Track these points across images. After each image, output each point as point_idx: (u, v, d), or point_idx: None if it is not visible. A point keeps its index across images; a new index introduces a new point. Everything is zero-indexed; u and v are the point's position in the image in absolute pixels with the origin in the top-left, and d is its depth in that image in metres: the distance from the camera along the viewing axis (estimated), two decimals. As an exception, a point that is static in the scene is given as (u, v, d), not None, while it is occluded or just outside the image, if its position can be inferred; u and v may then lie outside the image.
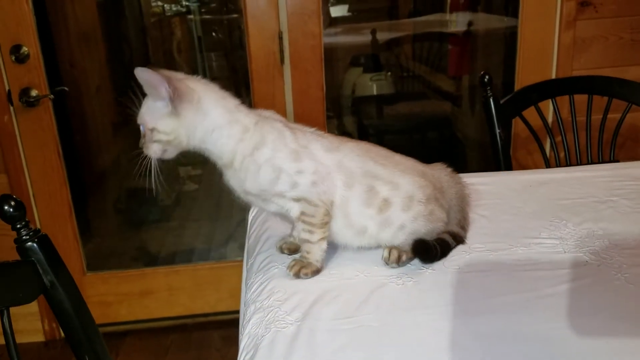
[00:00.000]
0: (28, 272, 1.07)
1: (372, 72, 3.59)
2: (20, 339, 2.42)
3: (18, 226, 1.06)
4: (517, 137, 2.52)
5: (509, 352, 0.90)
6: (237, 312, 1.43)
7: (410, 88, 3.77)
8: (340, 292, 1.07)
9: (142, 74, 1.02)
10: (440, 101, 3.64)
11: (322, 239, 1.13)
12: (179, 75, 1.08)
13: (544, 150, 2.06)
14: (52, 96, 2.29)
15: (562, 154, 2.07)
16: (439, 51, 3.52)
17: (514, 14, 2.48)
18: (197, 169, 3.36)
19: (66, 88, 2.37)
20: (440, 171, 1.25)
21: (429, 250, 1.13)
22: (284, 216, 1.18)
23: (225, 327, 2.57)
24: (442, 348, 0.91)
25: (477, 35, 3.33)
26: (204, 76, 1.13)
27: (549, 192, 1.45)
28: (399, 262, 1.13)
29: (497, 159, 1.97)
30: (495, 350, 0.90)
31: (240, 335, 1.03)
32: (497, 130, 1.94)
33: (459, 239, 1.21)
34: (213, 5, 3.35)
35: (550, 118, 2.26)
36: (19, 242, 1.06)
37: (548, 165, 2.11)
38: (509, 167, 2.00)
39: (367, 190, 1.12)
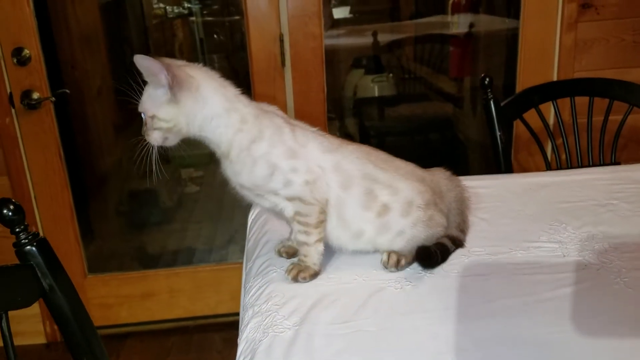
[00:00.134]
0: (27, 276, 1.07)
1: (374, 73, 3.59)
2: (21, 341, 2.46)
3: (17, 230, 1.06)
4: (519, 139, 2.51)
5: (508, 356, 0.90)
6: (238, 314, 1.42)
7: (412, 90, 3.76)
8: (339, 296, 1.07)
9: (142, 61, 1.03)
10: (441, 103, 3.63)
11: (319, 240, 1.13)
12: (178, 63, 1.09)
13: (545, 152, 2.06)
14: (53, 99, 2.30)
15: (563, 156, 2.06)
16: (440, 53, 3.52)
17: (516, 15, 2.48)
18: (198, 171, 3.36)
19: (67, 90, 2.37)
20: (439, 175, 1.25)
21: (431, 256, 1.13)
22: (278, 214, 1.17)
23: (226, 330, 2.57)
24: (440, 352, 0.91)
25: (479, 37, 3.33)
26: None
27: (549, 195, 1.45)
28: (397, 266, 1.13)
29: (498, 161, 1.97)
30: (494, 355, 0.90)
31: (238, 339, 1.03)
32: (498, 133, 1.94)
33: (458, 243, 1.20)
34: (215, 7, 3.35)
35: (551, 120, 2.26)
36: (18, 246, 1.06)
37: (549, 167, 2.10)
38: (509, 170, 1.99)
39: (366, 193, 1.12)
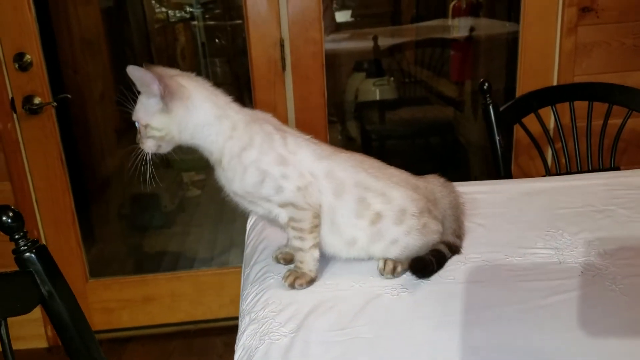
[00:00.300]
0: (26, 283, 1.08)
1: (375, 77, 3.59)
2: (23, 345, 2.47)
3: (16, 237, 1.07)
4: (519, 143, 2.51)
5: (502, 364, 0.90)
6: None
7: (413, 93, 3.77)
8: (335, 303, 1.07)
9: (134, 72, 1.05)
10: (442, 106, 3.64)
11: (314, 246, 1.14)
12: (171, 72, 1.10)
13: (544, 157, 2.06)
14: (54, 103, 2.31)
15: (562, 161, 2.07)
16: (441, 56, 3.52)
17: (516, 19, 2.48)
18: (200, 174, 3.37)
19: (69, 95, 2.38)
20: (433, 182, 1.25)
21: (426, 267, 1.13)
22: (273, 221, 1.18)
23: (227, 333, 2.58)
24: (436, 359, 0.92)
25: (480, 41, 3.33)
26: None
27: (547, 201, 1.45)
28: (394, 272, 1.14)
29: (497, 166, 1.97)
30: (489, 362, 0.91)
31: (235, 346, 1.03)
32: (497, 138, 1.94)
33: (455, 249, 1.21)
34: (217, 11, 3.36)
35: (551, 124, 2.26)
36: (17, 253, 1.07)
37: (549, 172, 2.10)
38: (508, 174, 2.00)
39: (358, 200, 1.13)
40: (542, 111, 2.01)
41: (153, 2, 3.32)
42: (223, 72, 3.47)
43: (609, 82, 2.07)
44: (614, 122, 1.98)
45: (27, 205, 2.40)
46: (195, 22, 3.39)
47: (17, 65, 2.24)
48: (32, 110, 2.29)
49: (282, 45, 2.35)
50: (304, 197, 1.11)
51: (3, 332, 1.06)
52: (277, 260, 1.24)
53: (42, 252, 1.09)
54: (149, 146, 1.10)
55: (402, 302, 1.07)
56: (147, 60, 3.34)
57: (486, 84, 1.94)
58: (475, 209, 1.40)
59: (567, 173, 2.01)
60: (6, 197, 2.35)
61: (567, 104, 2.03)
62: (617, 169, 1.99)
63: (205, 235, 3.11)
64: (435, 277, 1.14)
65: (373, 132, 3.63)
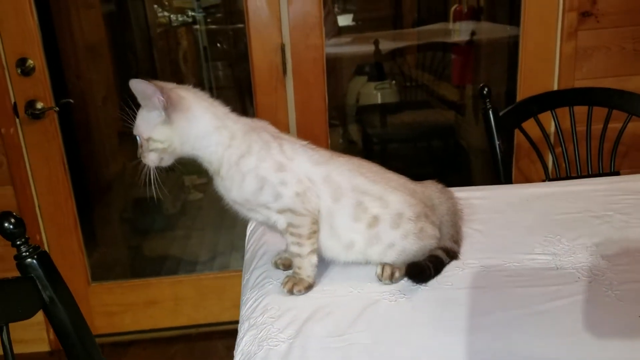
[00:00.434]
0: (28, 288, 1.09)
1: (377, 81, 3.60)
2: (25, 348, 2.48)
3: (18, 243, 1.08)
4: (520, 147, 2.52)
5: (498, 370, 0.91)
6: (240, 323, 1.44)
7: (415, 97, 3.78)
8: (333, 308, 1.08)
9: (137, 85, 1.06)
10: (444, 110, 3.65)
11: (312, 252, 1.15)
12: (169, 85, 1.12)
13: (544, 161, 2.07)
14: (57, 108, 2.32)
15: (563, 165, 2.07)
16: (442, 60, 3.53)
17: (517, 23, 2.49)
18: (202, 178, 3.38)
19: (71, 100, 2.40)
20: (430, 188, 1.26)
21: (422, 272, 1.13)
22: (272, 227, 1.19)
23: (229, 337, 2.57)
24: (431, 366, 0.92)
25: (481, 44, 3.34)
26: (210, 86, 1.16)
27: (545, 206, 1.46)
28: (392, 278, 1.14)
29: (497, 171, 1.98)
30: (484, 369, 0.91)
31: (234, 352, 1.04)
32: (497, 142, 1.95)
33: (453, 255, 1.21)
34: (219, 15, 3.37)
35: (551, 128, 2.27)
36: (19, 259, 1.08)
37: (549, 176, 2.11)
38: (508, 179, 2.00)
39: (356, 204, 1.14)
40: (542, 115, 2.02)
41: (155, 6, 3.34)
42: (225, 76, 3.48)
43: (610, 86, 2.07)
44: (615, 125, 1.98)
45: (30, 210, 2.42)
46: (197, 27, 3.40)
47: (19, 70, 2.26)
48: (35, 115, 2.30)
49: (283, 50, 2.36)
50: (302, 203, 1.12)
51: (5, 337, 1.07)
52: (277, 265, 1.25)
53: (44, 258, 1.10)
54: (151, 159, 1.11)
55: (400, 308, 1.08)
56: (149, 64, 3.37)
57: (486, 89, 1.95)
58: (473, 215, 1.40)
59: (567, 177, 2.02)
60: (9, 201, 2.37)
61: (567, 109, 2.04)
62: (617, 173, 1.99)
63: (207, 238, 3.12)
64: (433, 283, 1.14)
65: (374, 135, 3.64)
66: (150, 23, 3.32)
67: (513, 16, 2.71)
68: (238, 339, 1.07)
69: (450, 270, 1.19)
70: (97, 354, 1.17)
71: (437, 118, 3.65)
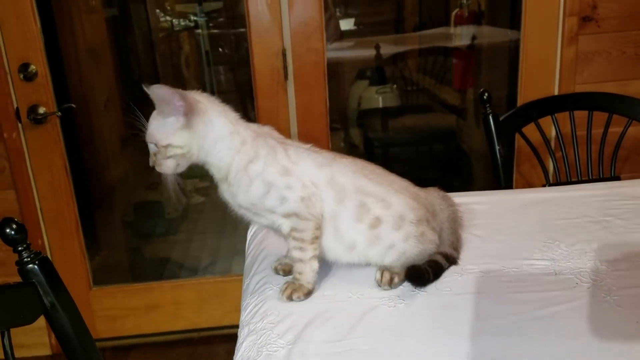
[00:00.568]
0: (29, 294, 1.09)
1: (378, 85, 3.62)
2: (26, 353, 2.48)
3: (19, 249, 1.09)
4: (521, 151, 2.52)
5: (496, 376, 0.91)
6: (241, 327, 1.45)
7: (416, 101, 3.79)
8: (333, 314, 1.09)
9: (158, 91, 1.06)
10: (445, 114, 3.66)
11: (313, 257, 1.15)
12: (183, 90, 1.12)
13: (545, 166, 2.07)
14: (59, 113, 2.33)
15: (563, 170, 2.07)
16: (444, 64, 3.54)
17: (518, 27, 2.49)
18: (204, 181, 3.39)
19: (73, 105, 2.41)
20: (433, 194, 1.26)
21: (421, 275, 1.14)
22: (277, 231, 1.20)
23: (230, 341, 2.56)
24: (430, 372, 0.93)
25: (482, 49, 3.35)
26: (212, 90, 1.17)
27: (544, 212, 1.46)
28: (391, 284, 1.15)
29: (498, 175, 1.99)
30: (482, 374, 0.92)
31: (234, 357, 1.05)
32: (497, 147, 1.96)
33: (452, 260, 1.22)
34: (221, 20, 3.39)
35: (552, 133, 2.27)
36: (20, 264, 1.09)
37: (549, 181, 2.11)
38: (509, 183, 2.01)
39: (359, 205, 1.14)
40: (542, 119, 2.02)
41: (157, 11, 3.36)
42: (226, 80, 3.50)
43: (610, 91, 2.08)
44: (615, 130, 1.99)
45: (32, 214, 2.43)
46: (199, 31, 3.42)
47: (22, 76, 2.27)
48: (37, 120, 2.31)
49: (284, 55, 2.36)
50: (307, 208, 1.12)
51: (6, 342, 1.08)
52: (277, 271, 1.26)
53: (45, 264, 1.10)
54: (168, 166, 1.11)
55: (399, 313, 1.08)
56: (151, 68, 3.38)
57: (486, 94, 1.96)
58: (472, 220, 1.41)
59: (568, 182, 2.02)
60: (11, 206, 2.38)
61: (567, 113, 2.04)
62: (617, 178, 2.00)
63: (208, 242, 3.12)
64: (432, 288, 1.15)
65: (376, 139, 3.65)
66: (152, 27, 3.34)
67: (514, 20, 2.72)
68: (238, 345, 1.08)
69: (449, 275, 1.19)
70: (98, 358, 1.18)
71: (439, 122, 3.66)
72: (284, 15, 2.32)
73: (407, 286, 1.16)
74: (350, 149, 3.57)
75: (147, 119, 1.13)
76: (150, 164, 1.13)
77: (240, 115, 1.18)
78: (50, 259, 1.13)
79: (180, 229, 3.27)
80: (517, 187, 2.49)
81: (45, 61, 2.29)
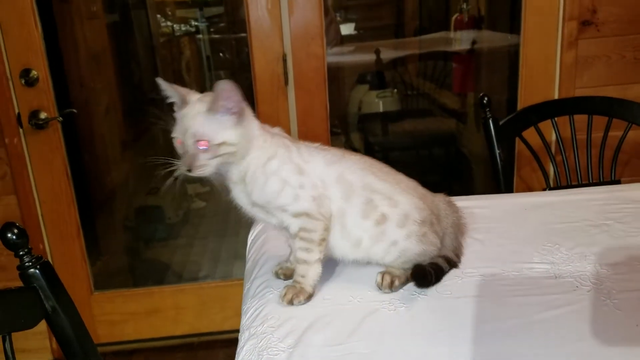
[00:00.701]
0: (30, 298, 1.10)
1: (378, 89, 3.62)
2: (28, 357, 2.48)
3: (21, 253, 1.09)
4: (521, 155, 2.53)
5: (496, 379, 0.92)
6: (242, 332, 1.45)
7: (416, 105, 3.80)
8: (333, 318, 1.09)
9: (226, 86, 1.06)
10: (445, 118, 3.66)
11: (318, 260, 1.16)
12: None
13: (545, 170, 2.07)
14: (60, 118, 2.34)
15: (563, 173, 2.08)
16: (444, 69, 3.55)
17: (518, 31, 2.50)
18: (205, 186, 3.39)
19: (74, 110, 2.41)
20: (439, 199, 1.27)
21: (425, 276, 1.15)
22: (285, 231, 1.20)
23: (230, 346, 2.55)
24: (430, 375, 0.93)
25: (482, 53, 3.36)
26: None
27: (544, 215, 1.46)
28: (391, 287, 1.15)
29: (498, 179, 1.99)
30: (482, 378, 0.92)
31: (235, 361, 1.05)
32: (497, 151, 1.96)
33: (453, 264, 1.22)
34: (222, 25, 3.40)
35: (552, 137, 2.28)
36: (22, 269, 1.10)
37: (549, 185, 2.12)
38: (509, 187, 2.01)
39: (366, 202, 1.15)
40: (542, 123, 2.03)
41: (158, 16, 3.37)
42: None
43: (610, 94, 2.08)
44: (615, 134, 1.99)
45: (33, 219, 2.43)
46: (200, 36, 3.43)
47: (23, 81, 2.28)
48: (38, 125, 2.32)
49: (284, 60, 2.37)
50: (317, 207, 1.14)
51: (7, 346, 1.08)
52: (277, 275, 1.26)
53: (46, 268, 1.11)
54: (213, 166, 1.09)
55: (399, 316, 1.09)
56: (152, 73, 3.39)
57: (486, 98, 1.96)
58: (472, 224, 1.41)
59: (568, 186, 2.03)
60: (12, 211, 2.38)
61: (567, 117, 2.05)
62: (617, 182, 2.00)
63: (209, 247, 3.13)
64: (432, 292, 1.15)
65: (376, 143, 3.65)
66: (153, 33, 3.35)
67: (514, 25, 2.73)
68: (238, 349, 1.08)
69: (450, 279, 1.19)
70: (99, 362, 1.18)
71: (439, 126, 3.67)
72: (285, 20, 2.33)
73: (407, 289, 1.16)
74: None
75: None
76: (185, 166, 1.08)
77: None
78: (51, 263, 1.13)
79: (181, 233, 3.27)
80: (517, 191, 2.50)
81: (47, 66, 2.29)
